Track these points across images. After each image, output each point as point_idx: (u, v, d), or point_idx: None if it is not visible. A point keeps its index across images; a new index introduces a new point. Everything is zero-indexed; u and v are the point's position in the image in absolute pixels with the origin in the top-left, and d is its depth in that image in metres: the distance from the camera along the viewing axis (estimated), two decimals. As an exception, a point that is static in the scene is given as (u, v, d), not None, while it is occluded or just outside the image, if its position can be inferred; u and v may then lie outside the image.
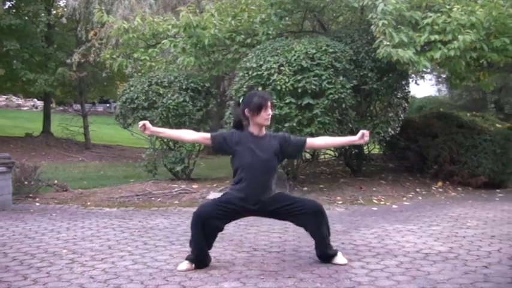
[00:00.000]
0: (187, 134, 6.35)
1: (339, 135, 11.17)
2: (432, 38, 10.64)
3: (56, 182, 12.36)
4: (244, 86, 11.24)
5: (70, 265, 5.89)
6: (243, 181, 5.81)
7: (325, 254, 5.97)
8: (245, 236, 7.48)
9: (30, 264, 5.96)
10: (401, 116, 13.56)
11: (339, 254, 6.01)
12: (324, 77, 10.85)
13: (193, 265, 5.72)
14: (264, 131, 5.97)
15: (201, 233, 5.68)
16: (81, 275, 5.50)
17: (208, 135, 6.07)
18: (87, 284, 5.19)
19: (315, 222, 5.88)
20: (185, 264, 5.74)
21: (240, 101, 6.04)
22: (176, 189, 11.65)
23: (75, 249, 6.69)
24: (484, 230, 8.05)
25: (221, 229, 5.88)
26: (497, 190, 13.71)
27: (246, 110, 5.84)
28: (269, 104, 5.88)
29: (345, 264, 5.88)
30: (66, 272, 5.61)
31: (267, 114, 5.85)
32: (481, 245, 7.02)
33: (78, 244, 7.02)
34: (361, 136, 5.98)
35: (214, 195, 11.10)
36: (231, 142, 5.86)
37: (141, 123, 5.84)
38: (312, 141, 6.33)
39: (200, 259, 5.77)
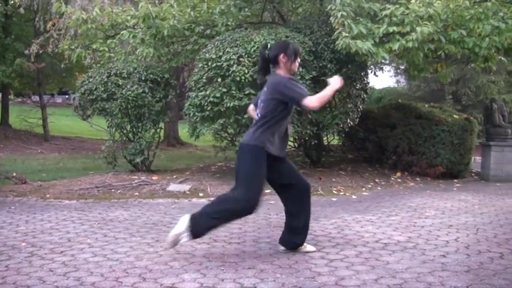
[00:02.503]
0: None
1: (298, 126, 11.28)
2: (390, 29, 10.70)
3: (14, 174, 12.23)
4: (204, 77, 11.24)
5: (29, 258, 5.85)
6: (282, 136, 5.96)
7: (299, 239, 6.08)
8: (205, 228, 7.49)
9: (-12, 257, 5.91)
10: (360, 107, 13.65)
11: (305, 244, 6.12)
12: (283, 68, 10.88)
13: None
14: None
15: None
16: (41, 268, 5.46)
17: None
18: (46, 277, 5.15)
19: (306, 198, 6.06)
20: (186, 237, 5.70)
21: (268, 46, 6.11)
22: (136, 181, 11.60)
23: (34, 242, 6.64)
24: (442, 220, 8.17)
25: None
26: (455, 180, 13.90)
27: (282, 55, 5.88)
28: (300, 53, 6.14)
29: (313, 251, 6.03)
30: (25, 265, 5.57)
31: (298, 61, 6.09)
32: (439, 234, 7.13)
33: (38, 237, 6.97)
34: (337, 82, 6.03)
35: (174, 186, 11.11)
36: None
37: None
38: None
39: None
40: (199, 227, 5.66)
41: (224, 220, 5.85)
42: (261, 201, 5.78)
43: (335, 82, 5.95)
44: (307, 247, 6.10)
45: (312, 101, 5.68)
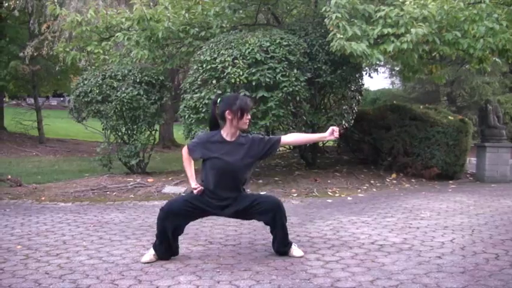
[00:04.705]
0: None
1: (294, 128, 11.27)
2: (385, 31, 10.71)
3: (9, 177, 12.19)
4: (199, 79, 11.23)
5: (25, 261, 5.84)
6: (211, 182, 5.82)
7: (282, 250, 6.03)
8: (201, 230, 7.48)
9: (-17, 260, 5.90)
10: (355, 108, 13.64)
11: (294, 246, 6.06)
12: (278, 70, 10.88)
13: (156, 256, 5.80)
14: (237, 134, 5.92)
15: (168, 229, 5.76)
16: (36, 270, 5.45)
17: (185, 153, 6.12)
18: (42, 279, 5.14)
19: (273, 219, 5.91)
20: (148, 256, 5.79)
21: (218, 100, 5.97)
22: (131, 183, 11.59)
23: (29, 245, 6.63)
24: (438, 221, 8.16)
25: (182, 228, 5.95)
26: (450, 181, 13.89)
27: (227, 112, 5.77)
28: (250, 109, 5.93)
29: (301, 257, 5.93)
30: (20, 268, 5.56)
31: (248, 118, 5.88)
32: (435, 235, 7.13)
33: (33, 239, 6.96)
34: (331, 132, 5.93)
35: (169, 188, 11.11)
36: (207, 151, 5.87)
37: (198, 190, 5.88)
38: (284, 139, 6.20)
39: (167, 252, 5.86)
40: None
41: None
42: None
43: (329, 134, 6.03)
44: (294, 251, 6.06)
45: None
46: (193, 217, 6.03)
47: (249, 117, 5.93)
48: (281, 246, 6.03)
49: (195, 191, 5.87)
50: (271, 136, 6.27)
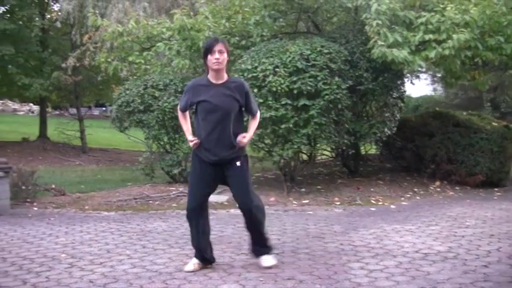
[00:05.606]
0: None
1: (336, 136, 11.25)
2: (426, 37, 10.65)
3: (53, 186, 12.32)
4: (240, 88, 11.23)
5: (69, 269, 5.89)
6: (202, 128, 5.91)
7: (256, 250, 6.13)
8: (244, 238, 7.46)
9: (29, 269, 5.97)
10: (398, 115, 13.55)
11: (268, 256, 6.05)
12: (319, 78, 10.84)
13: (200, 264, 5.84)
14: (224, 77, 5.99)
15: (200, 226, 5.91)
16: (81, 279, 5.50)
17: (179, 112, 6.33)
18: (86, 288, 5.19)
19: (247, 219, 6.11)
20: (191, 265, 5.84)
21: None
22: (174, 192, 11.63)
23: (73, 254, 6.69)
24: (483, 229, 8.06)
25: (208, 219, 6.15)
26: (495, 189, 13.67)
27: (202, 56, 5.97)
28: (217, 48, 5.83)
29: (270, 267, 5.87)
30: (65, 276, 5.61)
31: (215, 58, 5.81)
32: (480, 244, 7.04)
33: (77, 248, 7.02)
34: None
35: (211, 197, 11.02)
36: (193, 96, 5.99)
37: (195, 142, 5.96)
38: (255, 118, 6.31)
39: (205, 256, 5.91)
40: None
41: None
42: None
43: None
44: (264, 260, 6.00)
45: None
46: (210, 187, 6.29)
47: (217, 56, 5.80)
48: (256, 246, 6.14)
49: (191, 144, 5.98)
50: (253, 103, 6.30)
